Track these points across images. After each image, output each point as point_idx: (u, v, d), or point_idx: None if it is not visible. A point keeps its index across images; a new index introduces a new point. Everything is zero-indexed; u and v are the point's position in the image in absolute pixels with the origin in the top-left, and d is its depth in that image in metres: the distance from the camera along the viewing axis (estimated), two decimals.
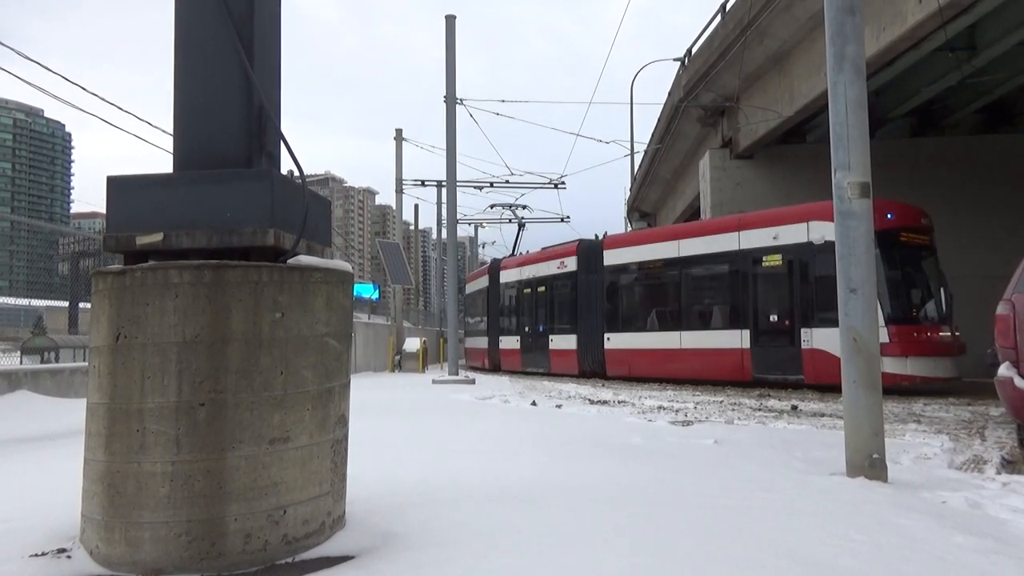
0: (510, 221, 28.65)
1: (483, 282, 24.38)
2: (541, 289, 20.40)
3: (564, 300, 19.40)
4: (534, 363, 20.54)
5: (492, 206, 28.68)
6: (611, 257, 17.58)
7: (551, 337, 19.68)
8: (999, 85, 15.79)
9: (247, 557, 2.56)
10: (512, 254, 25.30)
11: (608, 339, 17.42)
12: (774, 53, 16.01)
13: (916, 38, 12.20)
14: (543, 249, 21.21)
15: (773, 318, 13.46)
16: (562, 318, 19.56)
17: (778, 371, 13.44)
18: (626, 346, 16.96)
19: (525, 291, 21.18)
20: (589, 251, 18.42)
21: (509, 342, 22.01)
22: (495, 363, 22.97)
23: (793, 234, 13.22)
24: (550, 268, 19.92)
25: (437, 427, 6.86)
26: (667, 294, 16.20)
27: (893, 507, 3.52)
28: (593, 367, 17.93)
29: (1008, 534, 3.16)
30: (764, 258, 13.59)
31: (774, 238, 13.47)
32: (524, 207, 28.25)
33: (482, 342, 24.36)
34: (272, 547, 2.62)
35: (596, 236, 19.68)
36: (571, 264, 19.01)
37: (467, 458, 4.90)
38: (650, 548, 2.82)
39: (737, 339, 14.16)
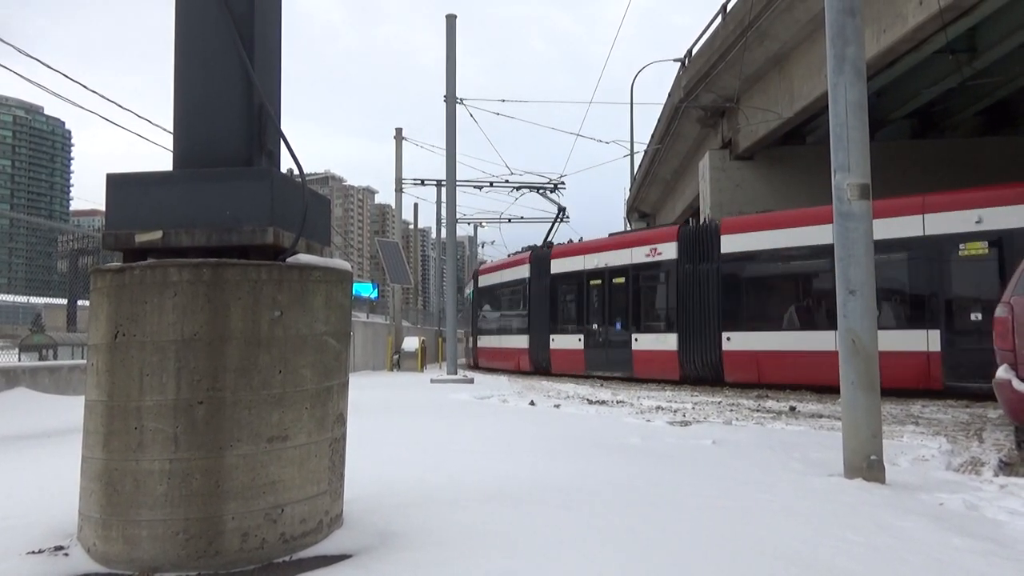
0: (557, 219, 24.96)
1: (517, 273, 21.41)
2: (618, 280, 17.29)
3: (657, 293, 16.58)
4: (607, 365, 17.50)
5: (519, 187, 25.59)
6: (732, 243, 14.73)
7: (635, 336, 16.76)
8: (1000, 87, 15.83)
9: (244, 555, 2.57)
10: (545, 243, 22.51)
11: (728, 339, 14.78)
12: (774, 54, 16.03)
13: (917, 40, 12.22)
14: (613, 235, 18.70)
15: (976, 316, 11.59)
16: (654, 314, 16.74)
17: (985, 379, 11.90)
18: (754, 347, 14.32)
19: (592, 282, 18.14)
20: (697, 237, 15.73)
21: (566, 341, 18.94)
22: (540, 365, 20.03)
23: (1006, 217, 11.30)
24: (634, 256, 16.87)
25: (435, 426, 6.87)
26: (815, 287, 13.67)
27: (891, 509, 3.53)
28: (703, 371, 15.29)
29: (1005, 536, 3.17)
30: (963, 245, 11.71)
31: (977, 222, 11.53)
32: (557, 187, 26.88)
33: (515, 341, 21.41)
34: (269, 546, 2.62)
35: (704, 221, 17.01)
36: (668, 251, 15.95)
37: (465, 458, 4.90)
38: (648, 549, 2.82)
39: (922, 340, 12.04)
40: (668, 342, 16.02)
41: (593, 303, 18.22)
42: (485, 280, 24.35)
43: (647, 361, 16.55)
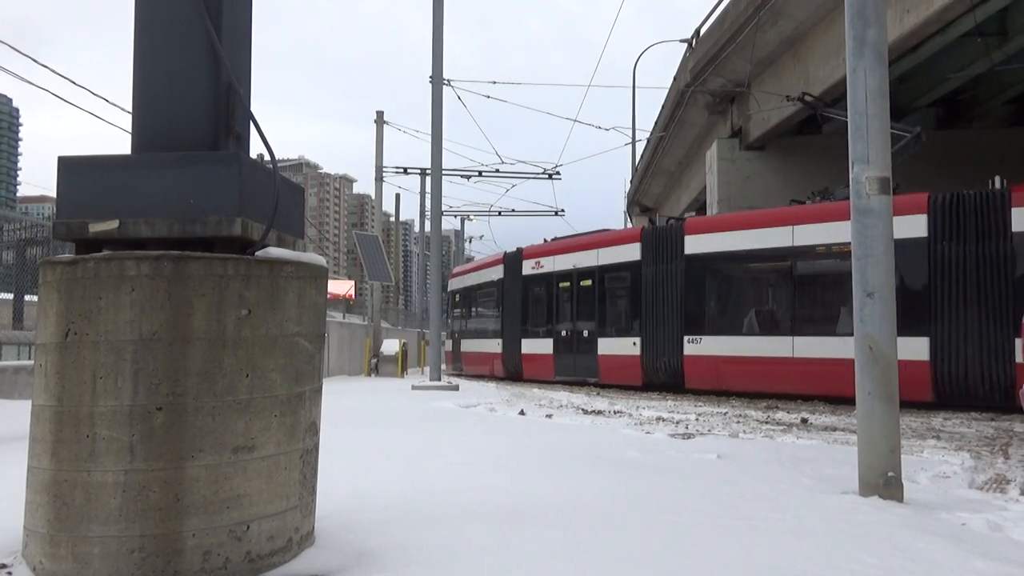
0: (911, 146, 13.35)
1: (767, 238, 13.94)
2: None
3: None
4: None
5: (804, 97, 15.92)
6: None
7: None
8: None
9: None
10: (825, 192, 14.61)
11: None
12: (789, 35, 16.09)
13: (943, 21, 12.29)
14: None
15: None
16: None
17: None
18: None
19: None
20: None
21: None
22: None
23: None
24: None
25: (417, 437, 6.86)
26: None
27: (909, 529, 3.55)
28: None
29: None
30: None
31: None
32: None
33: (828, 346, 12.83)
34: (233, 565, 2.61)
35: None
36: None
37: (449, 471, 4.91)
38: (647, 571, 2.83)
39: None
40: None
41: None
42: (703, 242, 15.27)
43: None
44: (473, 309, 24.40)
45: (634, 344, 16.32)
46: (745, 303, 15.04)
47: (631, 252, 16.60)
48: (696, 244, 15.34)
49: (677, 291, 15.46)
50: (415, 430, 7.46)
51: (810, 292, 13.95)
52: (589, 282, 17.76)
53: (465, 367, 24.44)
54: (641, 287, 16.24)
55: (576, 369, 18.01)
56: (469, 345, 24.17)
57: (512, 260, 20.84)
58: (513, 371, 20.49)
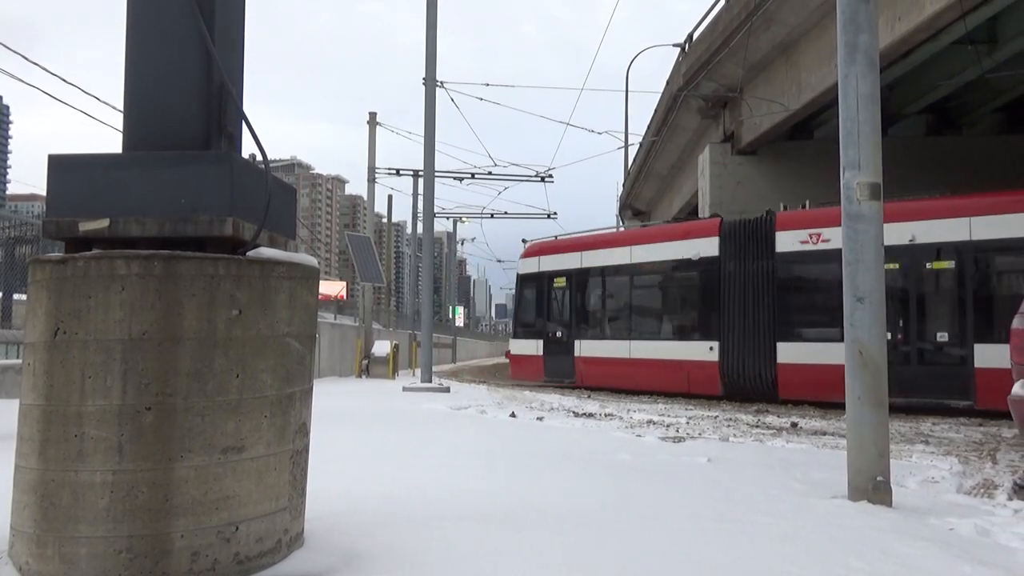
0: None
1: None
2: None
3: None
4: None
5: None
6: None
7: None
8: (1021, 82, 16.03)
9: None
10: None
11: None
12: (781, 41, 16.15)
13: (934, 29, 12.37)
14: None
15: None
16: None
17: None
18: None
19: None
20: None
21: None
22: None
23: None
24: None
25: (407, 439, 6.85)
26: None
27: (897, 534, 3.57)
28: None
29: (1019, 564, 3.21)
30: None
31: None
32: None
33: None
34: (222, 566, 2.60)
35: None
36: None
37: (439, 473, 4.90)
38: (639, 574, 2.83)
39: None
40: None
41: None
42: None
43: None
44: (611, 299, 18.18)
45: None
46: None
47: None
48: None
49: None
50: (406, 432, 7.44)
51: None
52: (949, 264, 12.22)
53: (586, 377, 17.99)
54: None
55: (914, 387, 11.98)
56: (599, 348, 17.95)
57: (743, 230, 14.93)
58: (754, 385, 14.36)
